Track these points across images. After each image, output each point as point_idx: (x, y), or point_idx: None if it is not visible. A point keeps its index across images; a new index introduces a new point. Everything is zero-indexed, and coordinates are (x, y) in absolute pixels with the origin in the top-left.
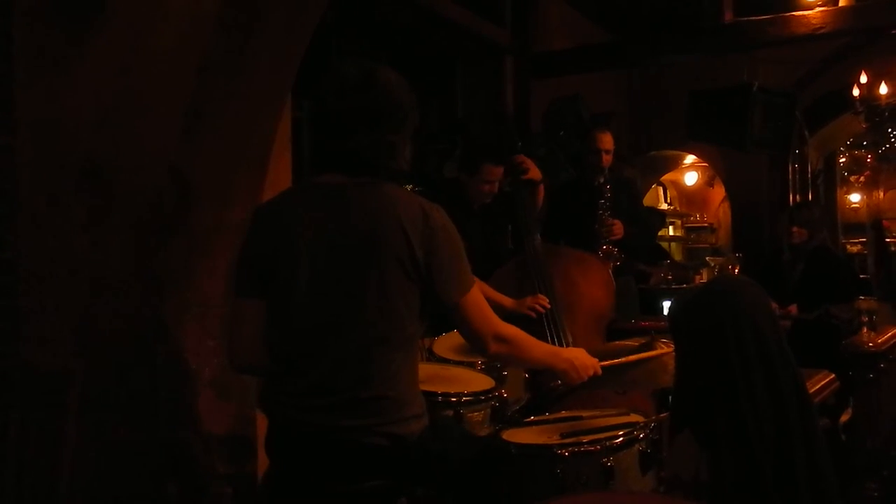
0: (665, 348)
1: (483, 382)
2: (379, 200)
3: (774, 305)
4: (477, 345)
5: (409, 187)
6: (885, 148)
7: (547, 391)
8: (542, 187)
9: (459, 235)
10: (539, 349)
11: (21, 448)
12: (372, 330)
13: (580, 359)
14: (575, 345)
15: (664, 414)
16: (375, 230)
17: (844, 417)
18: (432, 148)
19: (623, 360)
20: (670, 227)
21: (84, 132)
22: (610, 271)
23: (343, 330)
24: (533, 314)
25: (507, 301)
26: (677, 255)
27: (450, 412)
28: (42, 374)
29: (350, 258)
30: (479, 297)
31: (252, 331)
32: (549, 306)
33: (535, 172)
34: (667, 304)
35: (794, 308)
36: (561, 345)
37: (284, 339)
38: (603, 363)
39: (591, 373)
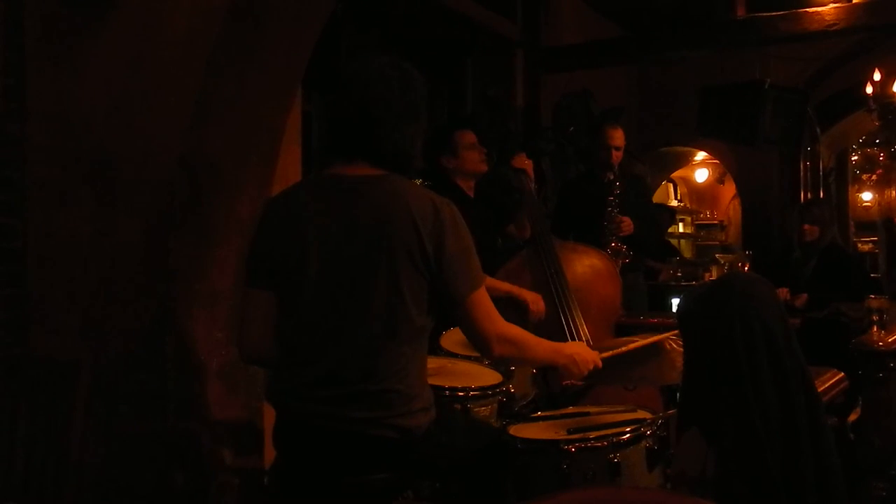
0: (664, 334)
1: (490, 377)
2: (389, 194)
3: (785, 291)
4: (480, 345)
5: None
6: None
7: (560, 391)
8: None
9: (469, 232)
10: (541, 347)
11: (30, 437)
12: (380, 323)
13: (581, 354)
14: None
15: (671, 410)
16: (385, 223)
17: (853, 416)
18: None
19: (622, 349)
20: (680, 224)
21: (94, 123)
22: (617, 268)
23: (352, 322)
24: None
25: (514, 290)
26: (687, 251)
27: (457, 406)
28: (50, 363)
29: (359, 251)
30: (486, 298)
31: (263, 322)
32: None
33: (529, 170)
34: (675, 301)
35: (804, 297)
36: (577, 338)
37: (294, 331)
38: (602, 355)
39: (591, 367)
